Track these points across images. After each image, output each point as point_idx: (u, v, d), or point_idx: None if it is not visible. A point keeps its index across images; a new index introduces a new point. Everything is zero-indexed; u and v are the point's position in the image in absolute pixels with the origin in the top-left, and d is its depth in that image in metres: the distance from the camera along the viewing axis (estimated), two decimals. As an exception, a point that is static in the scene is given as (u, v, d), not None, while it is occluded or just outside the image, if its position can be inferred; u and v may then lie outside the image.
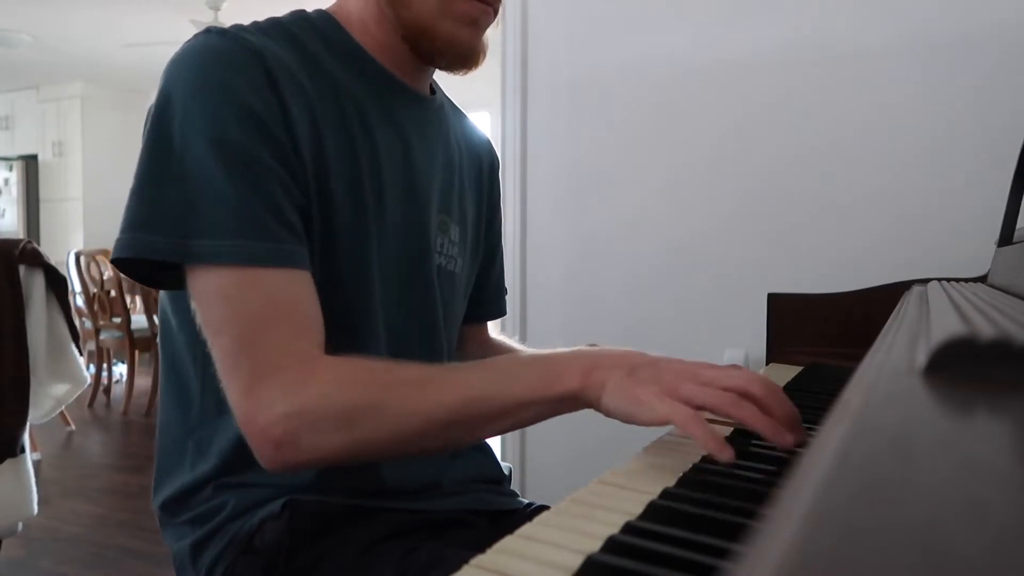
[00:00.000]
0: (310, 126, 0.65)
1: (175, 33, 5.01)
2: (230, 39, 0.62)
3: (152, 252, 0.59)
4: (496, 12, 0.73)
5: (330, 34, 0.73)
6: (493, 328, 1.02)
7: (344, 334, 0.70)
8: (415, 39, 0.72)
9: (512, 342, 1.01)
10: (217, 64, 0.61)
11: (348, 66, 0.72)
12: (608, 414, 0.56)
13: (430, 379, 0.60)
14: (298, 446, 0.58)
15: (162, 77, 0.63)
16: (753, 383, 0.53)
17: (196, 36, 0.64)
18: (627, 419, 0.55)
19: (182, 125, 0.60)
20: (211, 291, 0.60)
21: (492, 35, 0.76)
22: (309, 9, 0.75)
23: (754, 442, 0.56)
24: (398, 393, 0.59)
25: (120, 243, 0.60)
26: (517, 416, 0.59)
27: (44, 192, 7.08)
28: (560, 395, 0.57)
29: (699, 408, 0.52)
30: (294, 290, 0.61)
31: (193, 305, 0.62)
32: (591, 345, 0.89)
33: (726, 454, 0.49)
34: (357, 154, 0.70)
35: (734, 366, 0.57)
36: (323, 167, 0.66)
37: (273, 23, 0.70)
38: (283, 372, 0.58)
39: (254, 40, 0.63)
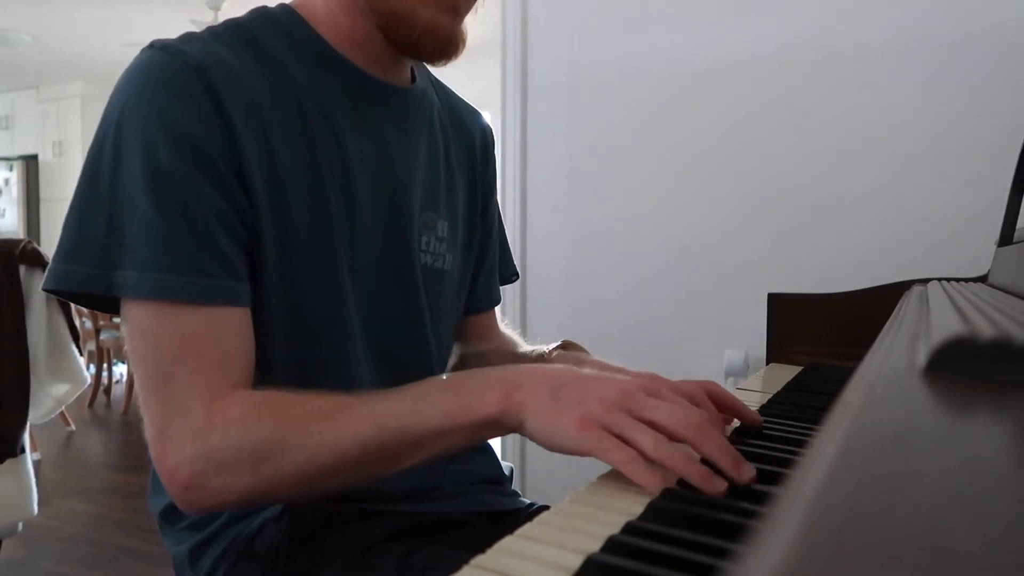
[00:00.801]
0: (262, 143, 0.63)
1: (175, 33, 4.99)
2: (171, 56, 0.60)
3: (77, 284, 0.58)
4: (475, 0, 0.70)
5: (293, 32, 0.69)
6: (503, 320, 0.98)
7: (319, 349, 0.69)
8: (391, 26, 0.68)
9: (517, 336, 0.97)
10: (154, 86, 0.59)
11: (313, 66, 0.68)
12: (531, 439, 0.52)
13: (340, 411, 0.56)
14: (206, 489, 0.56)
15: (110, 95, 0.61)
16: (682, 425, 0.47)
17: (142, 52, 0.61)
18: (548, 446, 0.51)
19: (115, 151, 0.58)
20: (131, 322, 0.58)
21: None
22: (287, 2, 0.72)
23: (750, 441, 0.55)
24: (305, 428, 0.56)
25: (49, 274, 0.59)
26: (436, 445, 0.55)
27: (44, 192, 7.08)
28: (479, 421, 0.54)
29: (626, 441, 0.47)
30: (213, 326, 0.59)
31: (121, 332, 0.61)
32: (562, 346, 0.88)
33: (657, 485, 0.45)
34: (321, 165, 0.67)
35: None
36: (278, 185, 0.64)
37: (230, 26, 0.67)
38: (190, 412, 0.57)
39: (200, 55, 0.60)
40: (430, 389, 0.57)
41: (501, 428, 0.54)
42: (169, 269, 0.57)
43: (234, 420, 0.56)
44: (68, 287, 0.58)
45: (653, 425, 0.48)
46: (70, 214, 0.60)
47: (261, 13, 0.70)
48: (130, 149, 0.58)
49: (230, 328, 0.60)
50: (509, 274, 0.99)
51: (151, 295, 0.57)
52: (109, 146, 0.59)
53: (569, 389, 0.51)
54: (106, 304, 0.61)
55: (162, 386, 0.57)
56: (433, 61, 0.71)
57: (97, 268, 0.58)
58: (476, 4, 0.70)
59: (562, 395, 0.51)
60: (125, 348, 0.61)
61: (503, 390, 0.53)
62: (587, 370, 0.55)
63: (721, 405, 0.58)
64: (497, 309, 0.98)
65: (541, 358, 0.86)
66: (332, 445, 0.55)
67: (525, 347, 0.93)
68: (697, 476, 0.45)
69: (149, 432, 0.58)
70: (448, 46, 0.69)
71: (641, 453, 0.47)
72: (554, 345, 0.88)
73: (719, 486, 0.44)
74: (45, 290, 0.60)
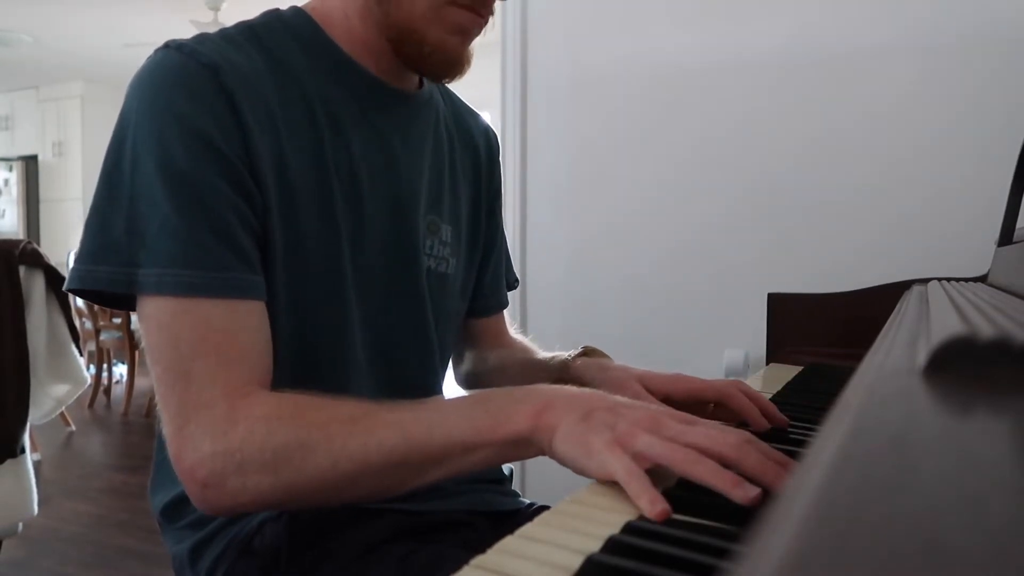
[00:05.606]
0: (273, 144, 0.63)
1: (175, 33, 4.98)
2: (186, 56, 0.60)
3: (99, 283, 0.59)
4: (486, 23, 0.71)
5: (305, 35, 0.70)
6: (512, 326, 0.99)
7: (320, 349, 0.69)
8: (400, 41, 0.68)
9: (529, 342, 0.97)
10: (169, 85, 0.59)
11: (323, 70, 0.69)
12: (559, 461, 0.51)
13: (366, 417, 0.55)
14: (223, 488, 0.55)
15: (125, 96, 0.62)
16: (719, 444, 0.46)
17: (155, 52, 0.62)
18: (575, 468, 0.49)
19: (132, 150, 0.59)
20: (150, 318, 0.58)
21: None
22: (299, 5, 0.72)
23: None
24: (330, 432, 0.55)
25: (71, 274, 0.60)
26: (462, 460, 0.54)
27: (44, 192, 7.08)
28: (508, 438, 0.52)
29: (655, 462, 0.46)
30: (233, 321, 0.59)
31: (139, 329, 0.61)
32: (584, 352, 0.87)
33: (657, 508, 0.41)
34: (328, 167, 0.67)
35: (714, 426, 0.49)
36: (287, 185, 0.64)
37: (242, 28, 0.67)
38: (210, 409, 0.56)
39: (213, 55, 0.61)
40: (459, 403, 0.57)
41: (529, 447, 0.53)
42: (189, 264, 0.57)
43: (258, 419, 0.56)
44: (92, 286, 0.59)
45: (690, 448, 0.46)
46: (91, 216, 0.60)
47: (273, 16, 0.70)
48: (147, 149, 0.58)
49: (249, 321, 0.60)
50: (511, 279, 1.00)
51: (171, 291, 0.57)
52: (127, 147, 0.59)
53: (601, 414, 0.50)
54: (129, 302, 0.61)
55: (181, 381, 0.57)
56: (437, 79, 0.73)
57: (119, 267, 0.58)
58: (485, 28, 0.71)
59: (594, 419, 0.50)
60: (142, 345, 0.61)
61: (535, 409, 0.52)
62: (620, 396, 0.54)
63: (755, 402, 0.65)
64: (506, 313, 0.98)
65: (565, 365, 0.84)
66: (356, 451, 0.54)
67: (543, 353, 0.92)
68: (727, 483, 0.43)
69: (167, 429, 0.58)
70: (454, 66, 0.70)
71: (670, 467, 0.45)
72: (576, 352, 0.86)
73: (750, 492, 0.42)
74: (68, 290, 0.61)
